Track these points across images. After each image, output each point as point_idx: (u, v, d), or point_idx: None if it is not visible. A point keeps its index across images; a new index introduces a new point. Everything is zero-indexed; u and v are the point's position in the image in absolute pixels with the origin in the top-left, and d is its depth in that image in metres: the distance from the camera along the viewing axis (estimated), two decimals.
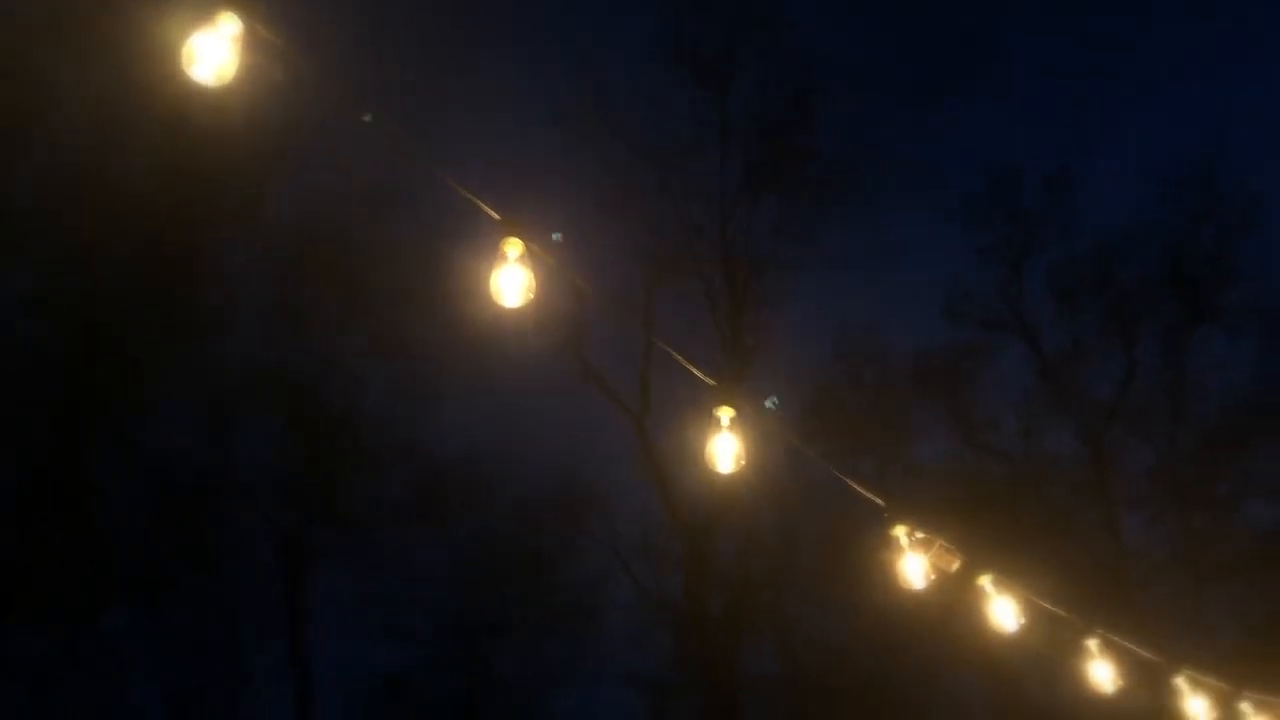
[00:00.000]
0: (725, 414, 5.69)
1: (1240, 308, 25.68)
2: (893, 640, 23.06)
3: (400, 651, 24.19)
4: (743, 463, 5.72)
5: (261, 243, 20.96)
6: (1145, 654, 8.95)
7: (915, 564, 6.70)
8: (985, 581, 7.32)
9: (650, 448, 23.60)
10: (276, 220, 21.05)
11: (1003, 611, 7.35)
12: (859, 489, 6.53)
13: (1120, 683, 8.47)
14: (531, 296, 4.43)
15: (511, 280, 4.37)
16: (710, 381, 5.64)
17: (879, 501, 6.59)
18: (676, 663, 25.14)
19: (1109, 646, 8.44)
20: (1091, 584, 21.39)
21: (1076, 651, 8.40)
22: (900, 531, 6.66)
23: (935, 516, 6.85)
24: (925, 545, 6.80)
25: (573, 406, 25.96)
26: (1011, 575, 7.37)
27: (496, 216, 4.35)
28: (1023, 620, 7.47)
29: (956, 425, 26.04)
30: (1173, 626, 22.45)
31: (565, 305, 21.86)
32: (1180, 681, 9.32)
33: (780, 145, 25.27)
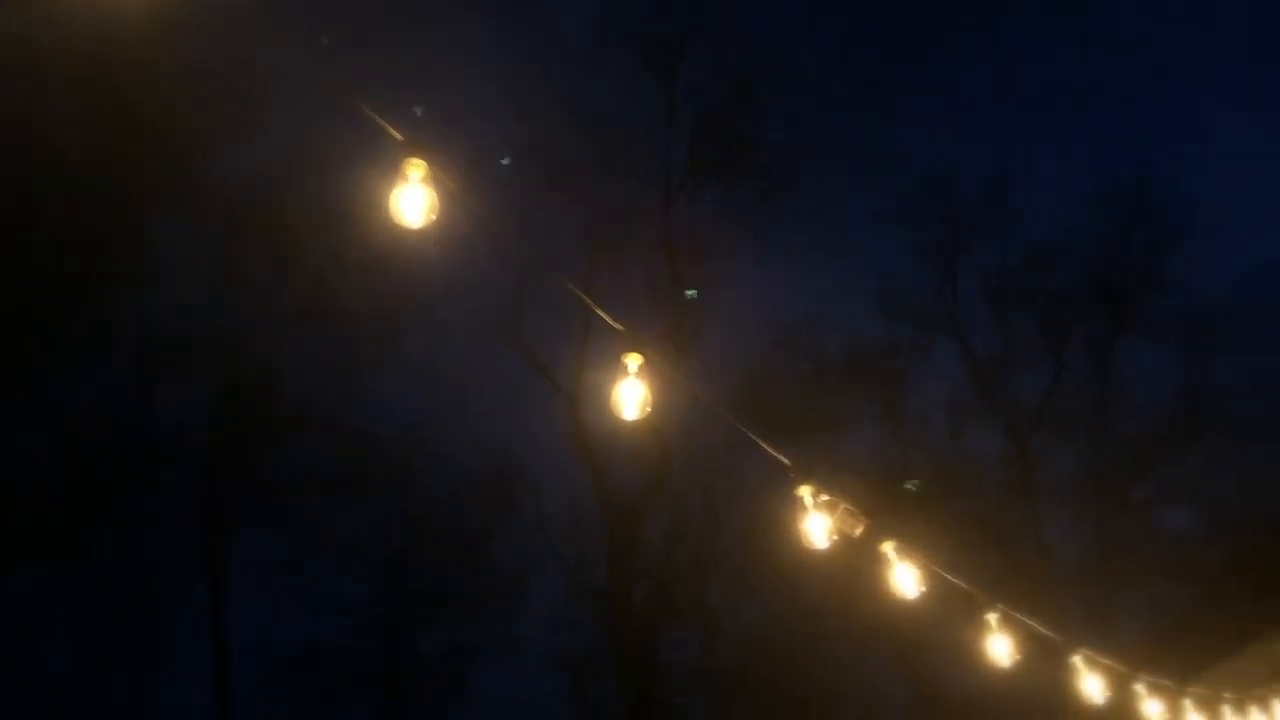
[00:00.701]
0: (633, 360, 5.69)
1: (1166, 317, 26.30)
2: (808, 624, 23.35)
3: (322, 622, 23.99)
4: (649, 409, 5.73)
5: (195, 200, 20.60)
6: (1044, 631, 9.14)
7: (819, 524, 6.74)
8: (889, 548, 7.40)
9: (582, 431, 23.56)
10: (211, 179, 20.71)
11: (904, 578, 7.43)
12: (765, 447, 6.55)
13: (1019, 658, 8.63)
14: (434, 218, 4.39)
15: (412, 200, 4.33)
16: (618, 327, 5.63)
17: (785, 461, 6.62)
18: (599, 644, 25.17)
19: (1009, 621, 8.59)
20: (1009, 580, 21.78)
21: (977, 625, 8.53)
22: (805, 491, 6.70)
23: (841, 480, 6.90)
24: (830, 508, 6.84)
25: (506, 382, 25.77)
26: (914, 543, 7.46)
27: (399, 138, 4.32)
28: (924, 588, 7.56)
29: (886, 420, 26.38)
30: (1086, 623, 22.93)
31: (502, 279, 21.83)
32: (1077, 661, 9.54)
33: (726, 133, 25.36)
